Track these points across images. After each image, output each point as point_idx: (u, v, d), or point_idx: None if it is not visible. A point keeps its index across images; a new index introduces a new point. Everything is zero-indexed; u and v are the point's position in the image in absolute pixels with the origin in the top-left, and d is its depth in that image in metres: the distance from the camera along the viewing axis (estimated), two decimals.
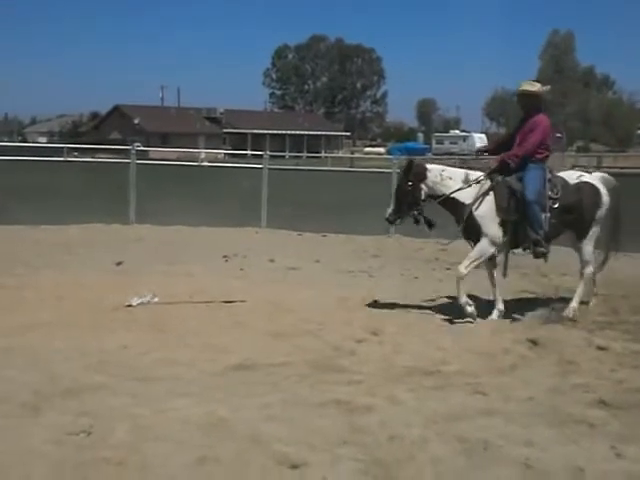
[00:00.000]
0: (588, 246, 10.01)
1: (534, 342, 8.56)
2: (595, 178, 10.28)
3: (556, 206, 9.70)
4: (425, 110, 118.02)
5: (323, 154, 59.15)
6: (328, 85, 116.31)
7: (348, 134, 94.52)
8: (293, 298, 10.22)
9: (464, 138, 74.33)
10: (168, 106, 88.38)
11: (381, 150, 71.70)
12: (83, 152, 27.81)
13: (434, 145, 76.43)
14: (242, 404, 6.44)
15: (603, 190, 10.09)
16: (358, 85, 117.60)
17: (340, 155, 61.81)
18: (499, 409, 6.54)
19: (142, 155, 22.82)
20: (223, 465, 5.38)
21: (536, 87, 9.93)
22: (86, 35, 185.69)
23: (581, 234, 9.99)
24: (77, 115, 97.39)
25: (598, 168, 24.07)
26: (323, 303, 9.97)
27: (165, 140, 66.87)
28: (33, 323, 8.78)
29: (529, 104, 9.91)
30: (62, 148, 22.89)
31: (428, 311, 9.99)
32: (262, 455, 5.54)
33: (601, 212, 10.02)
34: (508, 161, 9.71)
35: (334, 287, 11.03)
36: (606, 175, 10.61)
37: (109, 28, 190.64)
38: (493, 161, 9.92)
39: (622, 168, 27.15)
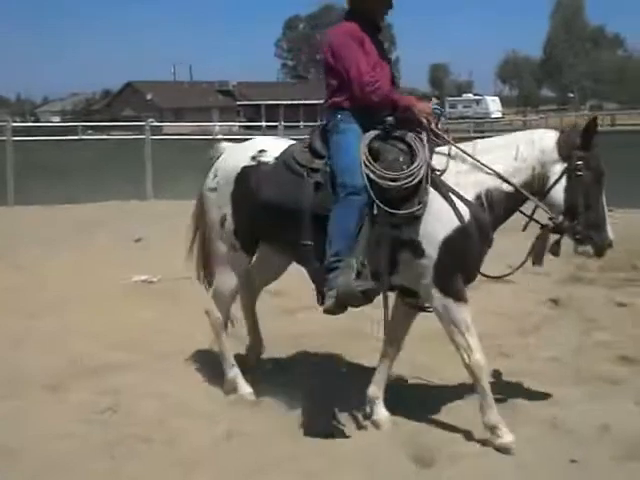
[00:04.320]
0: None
1: (556, 302, 8.55)
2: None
3: None
4: (437, 75, 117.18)
5: None
6: None
7: None
8: None
9: (477, 101, 73.76)
10: (180, 81, 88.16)
11: None
12: (97, 130, 27.83)
13: (447, 109, 75.80)
14: (268, 377, 6.45)
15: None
16: None
17: None
18: (524, 370, 6.54)
19: (156, 131, 22.80)
20: (250, 438, 5.41)
21: None
22: (94, 12, 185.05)
23: None
24: (89, 93, 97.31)
25: (612, 126, 23.76)
26: None
27: (179, 115, 66.71)
28: (53, 303, 8.81)
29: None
30: (76, 127, 22.87)
31: None
32: (290, 426, 5.58)
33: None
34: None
35: None
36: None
37: (117, 4, 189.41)
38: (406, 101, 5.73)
39: (635, 125, 26.92)
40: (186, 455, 5.21)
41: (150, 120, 21.61)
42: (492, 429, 5.33)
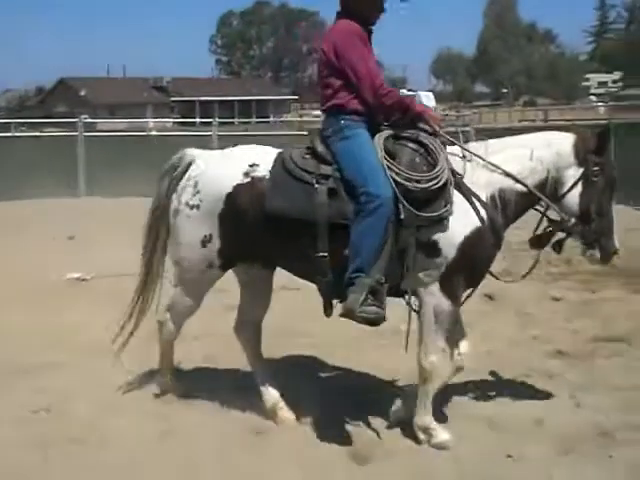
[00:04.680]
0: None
1: (490, 297, 8.61)
2: None
3: None
4: None
5: (272, 119, 58.53)
6: (274, 50, 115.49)
7: (296, 98, 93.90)
8: None
9: (410, 97, 74.39)
10: (114, 77, 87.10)
11: None
12: (31, 127, 27.37)
13: None
14: (204, 377, 6.40)
15: None
16: (304, 49, 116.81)
17: (289, 119, 61.39)
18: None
19: (90, 127, 22.56)
20: (184, 438, 5.35)
21: None
22: (27, 8, 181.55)
23: None
24: (23, 90, 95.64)
25: (545, 121, 24.07)
26: None
27: (112, 111, 65.82)
28: None
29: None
30: (9, 124, 22.50)
31: None
32: (225, 424, 5.54)
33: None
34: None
35: None
36: None
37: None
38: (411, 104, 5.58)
39: (569, 120, 27.32)
40: (119, 455, 5.15)
41: (83, 117, 21.33)
42: (424, 430, 5.33)
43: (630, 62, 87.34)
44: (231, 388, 6.05)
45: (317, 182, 5.25)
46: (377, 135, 5.35)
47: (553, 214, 5.50)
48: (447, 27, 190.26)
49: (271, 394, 5.76)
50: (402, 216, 5.10)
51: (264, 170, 5.43)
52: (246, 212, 5.39)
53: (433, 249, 5.20)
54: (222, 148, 6.00)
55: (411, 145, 5.32)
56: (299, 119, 57.44)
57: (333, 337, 7.13)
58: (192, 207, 5.60)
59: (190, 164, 5.79)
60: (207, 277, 5.73)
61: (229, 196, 5.45)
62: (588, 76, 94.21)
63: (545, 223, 5.60)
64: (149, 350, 6.22)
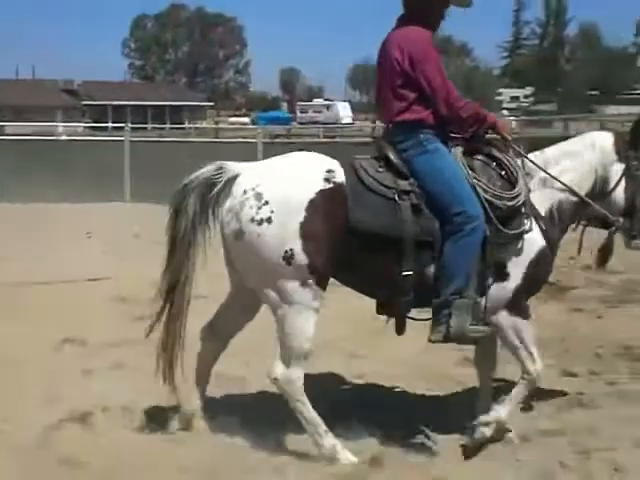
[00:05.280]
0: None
1: None
2: None
3: None
4: (288, 79, 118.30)
5: (187, 125, 58.20)
6: (189, 55, 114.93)
7: (212, 104, 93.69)
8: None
9: (328, 107, 75.02)
10: (23, 79, 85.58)
11: (245, 120, 71.40)
12: None
13: (298, 114, 76.92)
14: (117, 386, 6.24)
15: None
16: (220, 54, 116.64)
17: (204, 126, 61.08)
18: (375, 371, 6.69)
19: None
20: (90, 469, 5.11)
21: None
22: None
23: None
24: None
25: None
26: None
27: (20, 114, 64.64)
28: None
29: None
30: None
31: None
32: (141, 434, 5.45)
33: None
34: None
35: None
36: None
37: None
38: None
39: None
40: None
41: None
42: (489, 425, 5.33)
43: (541, 78, 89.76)
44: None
45: (399, 198, 5.05)
46: (453, 150, 5.29)
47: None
48: (365, 37, 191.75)
49: (193, 403, 5.46)
50: (487, 233, 5.09)
51: (341, 177, 5.05)
52: (330, 222, 4.94)
53: (501, 271, 5.22)
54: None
55: (486, 160, 5.33)
56: (215, 126, 57.35)
57: None
58: (261, 222, 4.93)
59: (234, 178, 5.14)
60: (310, 300, 4.99)
61: (312, 203, 4.94)
62: (501, 90, 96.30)
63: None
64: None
